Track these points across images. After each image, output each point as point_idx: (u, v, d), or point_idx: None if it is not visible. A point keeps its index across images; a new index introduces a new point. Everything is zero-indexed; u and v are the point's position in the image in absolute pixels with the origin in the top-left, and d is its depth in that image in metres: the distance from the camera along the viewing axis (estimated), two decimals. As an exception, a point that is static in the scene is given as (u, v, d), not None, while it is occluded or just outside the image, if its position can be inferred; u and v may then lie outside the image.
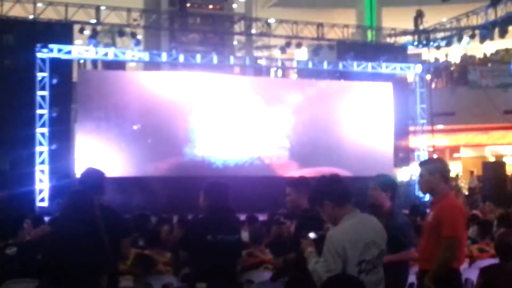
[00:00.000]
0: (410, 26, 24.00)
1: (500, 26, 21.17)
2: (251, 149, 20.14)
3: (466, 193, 23.03)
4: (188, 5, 23.11)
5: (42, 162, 17.97)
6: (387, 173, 6.26)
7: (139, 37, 21.14)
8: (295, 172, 19.90)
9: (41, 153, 18.00)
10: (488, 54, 27.28)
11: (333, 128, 20.98)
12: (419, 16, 23.20)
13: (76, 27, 19.53)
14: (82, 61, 20.95)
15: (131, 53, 19.94)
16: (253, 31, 23.07)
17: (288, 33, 22.00)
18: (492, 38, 21.89)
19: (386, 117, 21.62)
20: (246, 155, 20.08)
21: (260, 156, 20.26)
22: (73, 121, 18.97)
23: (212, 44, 23.72)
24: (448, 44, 24.09)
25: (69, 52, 18.73)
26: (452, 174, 22.82)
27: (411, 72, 22.80)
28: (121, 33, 20.16)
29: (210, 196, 5.83)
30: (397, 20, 25.82)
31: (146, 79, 19.95)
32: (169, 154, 19.27)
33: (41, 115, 18.06)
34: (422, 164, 5.72)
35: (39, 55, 18.13)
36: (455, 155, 28.46)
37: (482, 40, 22.25)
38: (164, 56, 20.31)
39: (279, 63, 23.29)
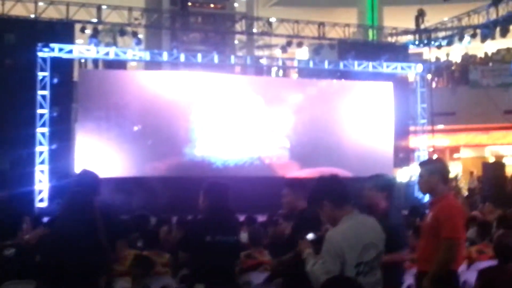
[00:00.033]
0: (412, 25, 23.98)
1: (502, 25, 21.13)
2: (251, 149, 20.13)
3: (466, 193, 22.99)
4: (190, 4, 23.11)
5: (42, 162, 17.96)
6: (387, 173, 6.24)
7: (140, 36, 21.15)
8: (295, 172, 19.92)
9: (41, 153, 17.99)
10: (489, 54, 27.24)
11: (334, 128, 20.97)
12: (420, 15, 23.19)
13: (77, 26, 19.53)
14: (83, 61, 20.94)
15: (132, 52, 19.92)
16: (254, 30, 23.07)
17: (289, 32, 21.99)
18: (493, 38, 21.85)
19: (386, 117, 21.61)
20: (246, 155, 20.07)
21: (260, 156, 20.25)
22: (74, 121, 18.93)
23: (213, 43, 23.73)
24: (449, 43, 24.05)
25: (70, 52, 18.72)
26: (452, 174, 22.80)
27: (412, 72, 22.77)
28: (122, 32, 20.15)
29: (210, 197, 5.82)
30: (398, 19, 25.81)
31: (147, 79, 19.94)
32: (169, 154, 19.26)
33: (42, 115, 18.05)
34: (422, 164, 5.72)
35: (40, 54, 18.12)
36: (455, 155, 28.42)
37: (484, 39, 22.22)
38: (165, 56, 20.29)
39: (280, 63, 23.30)
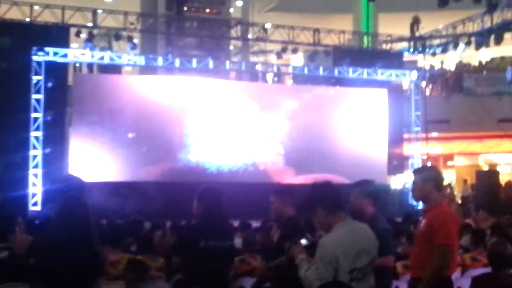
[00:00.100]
0: (406, 32, 24.05)
1: (496, 33, 21.23)
2: (246, 155, 20.14)
3: (460, 201, 23.02)
4: (185, 9, 23.12)
5: (36, 166, 17.94)
6: (375, 179, 6.24)
7: (136, 41, 21.14)
8: (290, 178, 19.93)
9: (34, 156, 17.96)
10: (483, 62, 27.34)
11: (328, 135, 20.99)
12: (415, 22, 23.26)
13: (73, 30, 19.52)
14: (78, 65, 20.92)
15: (127, 57, 19.92)
16: (250, 36, 23.10)
17: (285, 39, 22.05)
18: (487, 45, 21.94)
19: (380, 124, 21.63)
20: (241, 161, 20.07)
21: (254, 162, 20.26)
22: (68, 125, 18.91)
23: (208, 48, 23.73)
24: (444, 51, 24.14)
25: (65, 56, 18.72)
26: (446, 182, 22.82)
27: (406, 79, 22.81)
28: (118, 37, 20.16)
29: (204, 202, 5.80)
30: (393, 27, 25.89)
31: (142, 84, 19.95)
32: (164, 159, 19.26)
33: (36, 119, 18.05)
34: (415, 171, 5.73)
35: (35, 58, 18.13)
36: (449, 163, 28.47)
37: (478, 47, 22.32)
38: (160, 61, 20.29)
39: (275, 69, 23.33)
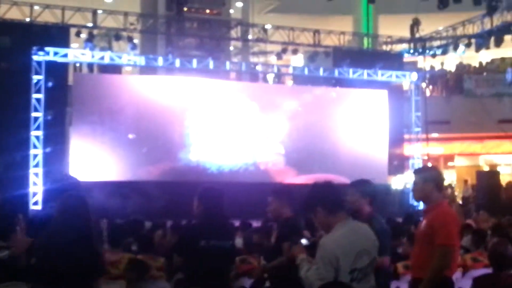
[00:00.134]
0: (406, 34, 24.02)
1: (496, 35, 21.22)
2: (246, 155, 20.14)
3: (460, 202, 23.03)
4: (185, 9, 23.10)
5: (36, 165, 17.94)
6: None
7: (136, 41, 21.13)
8: (290, 178, 19.92)
9: (35, 156, 17.97)
10: (483, 63, 27.34)
11: (328, 135, 20.98)
12: (415, 24, 23.24)
13: (73, 31, 19.49)
14: (78, 65, 20.92)
15: (127, 57, 19.90)
16: (250, 36, 23.09)
17: (285, 39, 22.03)
18: (488, 47, 21.93)
19: (381, 125, 21.63)
20: (241, 161, 20.07)
21: (255, 162, 20.26)
22: (68, 125, 18.91)
23: (209, 49, 23.73)
24: (444, 52, 24.13)
25: (65, 55, 18.71)
26: (446, 183, 22.84)
27: (407, 80, 22.80)
28: (118, 37, 20.14)
29: (204, 202, 5.81)
30: (393, 28, 25.86)
31: (142, 84, 19.95)
32: (164, 159, 19.26)
33: (36, 118, 18.05)
34: (416, 172, 5.73)
35: (35, 58, 18.11)
36: (449, 163, 28.48)
37: (478, 48, 22.31)
38: (160, 61, 20.27)
39: (275, 69, 23.32)
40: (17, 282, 5.52)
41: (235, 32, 23.28)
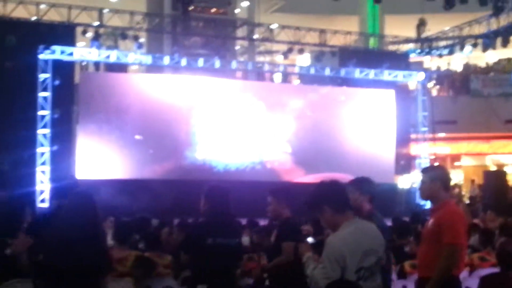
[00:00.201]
0: (413, 34, 24.03)
1: (503, 35, 21.22)
2: (253, 154, 20.15)
3: (467, 201, 22.99)
4: (191, 9, 23.11)
5: (43, 163, 18.00)
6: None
7: (142, 40, 21.18)
8: (297, 177, 19.93)
9: (42, 154, 18.02)
10: (490, 63, 27.30)
11: (335, 134, 20.98)
12: (421, 24, 23.25)
13: (79, 29, 19.54)
14: (84, 63, 20.96)
15: (134, 56, 19.92)
16: (256, 36, 23.12)
17: (291, 39, 22.05)
18: (494, 47, 21.93)
19: (388, 124, 21.62)
20: (247, 159, 20.09)
21: (261, 161, 20.27)
22: (75, 123, 18.98)
23: (215, 48, 23.77)
24: (451, 52, 24.13)
25: (71, 54, 18.75)
26: (453, 182, 22.81)
27: (413, 80, 22.78)
28: (124, 36, 20.19)
29: (211, 200, 5.81)
30: (399, 28, 25.85)
31: (148, 82, 19.97)
32: (170, 157, 19.29)
33: (43, 116, 18.11)
34: (424, 171, 5.71)
35: (41, 56, 18.17)
36: (456, 163, 28.44)
37: (485, 49, 22.30)
38: (166, 60, 20.29)
39: (281, 69, 23.33)
40: (23, 279, 5.53)
41: (241, 32, 23.29)
